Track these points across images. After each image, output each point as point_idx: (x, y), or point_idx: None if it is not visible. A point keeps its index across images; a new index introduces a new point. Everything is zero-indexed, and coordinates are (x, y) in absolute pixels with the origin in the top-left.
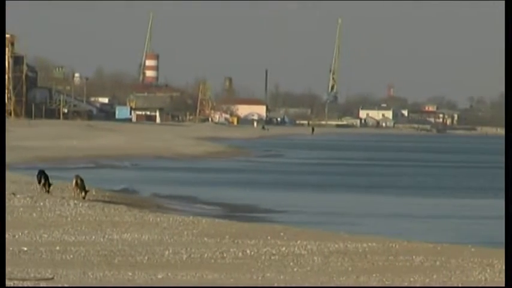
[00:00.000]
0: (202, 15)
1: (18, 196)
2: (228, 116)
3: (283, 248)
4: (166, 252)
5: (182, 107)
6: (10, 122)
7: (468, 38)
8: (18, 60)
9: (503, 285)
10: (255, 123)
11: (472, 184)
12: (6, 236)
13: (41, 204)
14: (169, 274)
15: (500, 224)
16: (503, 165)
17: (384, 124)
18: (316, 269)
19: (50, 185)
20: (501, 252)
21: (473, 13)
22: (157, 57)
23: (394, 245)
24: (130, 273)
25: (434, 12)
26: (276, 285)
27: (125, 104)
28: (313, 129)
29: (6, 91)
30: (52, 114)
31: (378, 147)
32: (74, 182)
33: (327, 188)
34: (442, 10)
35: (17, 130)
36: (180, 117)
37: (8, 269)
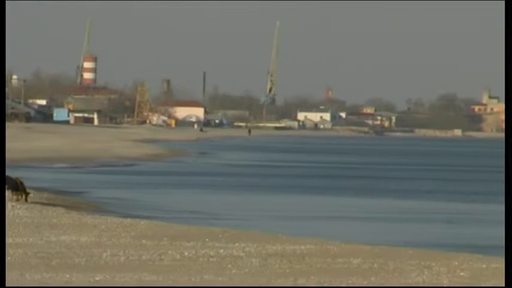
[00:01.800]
0: (141, 17)
1: None
2: (166, 118)
3: (221, 250)
4: (105, 254)
5: (120, 109)
6: None
7: (406, 40)
8: None
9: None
10: (196, 125)
11: (412, 187)
12: None
13: None
14: (107, 276)
15: (438, 226)
16: (443, 167)
17: (322, 126)
18: (254, 271)
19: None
20: (439, 254)
21: (410, 15)
22: (95, 60)
23: (332, 247)
24: (68, 275)
25: (372, 14)
26: (213, 285)
27: (63, 106)
28: (250, 131)
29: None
30: None
31: (316, 150)
32: None
33: (265, 189)
34: (380, 11)
35: None
36: (118, 120)
37: None
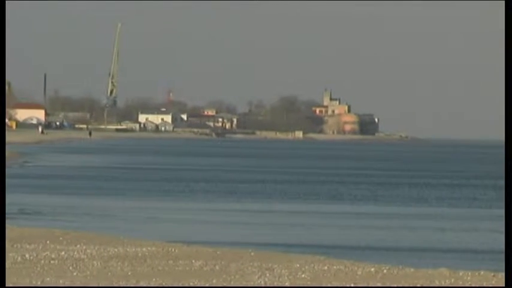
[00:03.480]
0: None
1: None
2: (6, 120)
3: (63, 253)
4: None
5: None
6: None
7: (246, 40)
8: None
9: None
10: (40, 128)
11: (258, 189)
12: None
13: None
14: None
15: (282, 227)
16: (288, 170)
17: (163, 128)
18: (96, 273)
19: None
20: (280, 256)
21: (250, 15)
22: None
23: (173, 250)
24: None
25: (210, 14)
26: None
27: None
28: (90, 133)
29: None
30: None
31: (157, 152)
32: None
33: (105, 192)
34: (218, 11)
35: None
36: None
37: None
